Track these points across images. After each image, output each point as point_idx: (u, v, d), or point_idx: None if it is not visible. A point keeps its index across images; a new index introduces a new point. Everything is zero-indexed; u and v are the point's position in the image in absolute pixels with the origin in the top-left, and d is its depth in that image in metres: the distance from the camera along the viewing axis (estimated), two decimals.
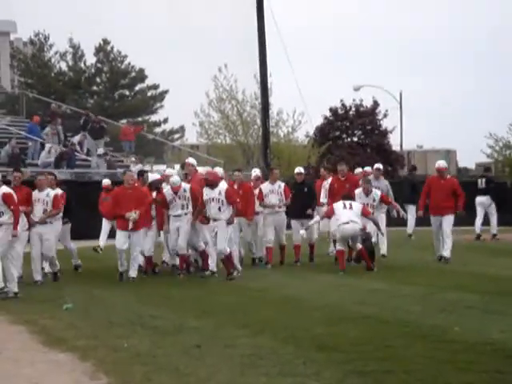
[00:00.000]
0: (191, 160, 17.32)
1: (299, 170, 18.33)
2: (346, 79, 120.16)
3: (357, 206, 15.71)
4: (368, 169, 21.25)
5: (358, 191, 16.64)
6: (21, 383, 7.49)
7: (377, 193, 16.98)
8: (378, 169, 19.37)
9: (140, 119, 59.61)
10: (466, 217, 18.42)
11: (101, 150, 31.63)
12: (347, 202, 15.81)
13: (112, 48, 65.69)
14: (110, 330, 9.96)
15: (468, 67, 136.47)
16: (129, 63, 65.90)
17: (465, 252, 19.41)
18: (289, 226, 17.70)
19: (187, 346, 8.82)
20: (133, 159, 17.98)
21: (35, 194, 14.54)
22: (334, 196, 16.70)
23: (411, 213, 23.36)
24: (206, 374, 7.54)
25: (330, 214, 15.99)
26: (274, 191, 17.17)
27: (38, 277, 14.74)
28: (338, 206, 15.78)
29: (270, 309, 11.49)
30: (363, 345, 8.65)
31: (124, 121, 44.79)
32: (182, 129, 65.30)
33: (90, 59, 65.25)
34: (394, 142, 54.76)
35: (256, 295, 12.93)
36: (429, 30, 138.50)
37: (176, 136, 65.38)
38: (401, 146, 55.98)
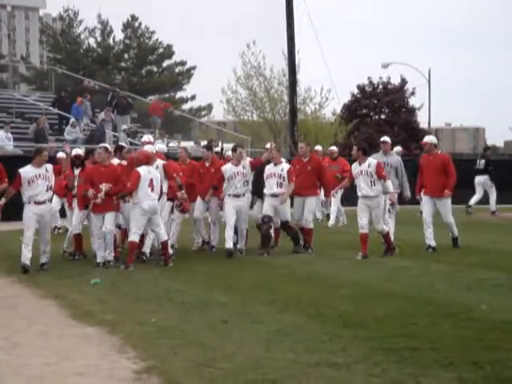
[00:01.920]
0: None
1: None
2: (374, 56, 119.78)
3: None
4: (398, 148, 21.22)
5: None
6: (50, 356, 7.57)
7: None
8: (385, 142, 16.66)
9: (167, 95, 59.77)
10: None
11: (125, 126, 31.69)
12: None
13: (140, 24, 65.87)
14: (138, 305, 10.06)
15: (498, 42, 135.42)
16: (156, 39, 66.07)
17: (491, 230, 19.32)
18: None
19: (214, 321, 8.89)
20: (149, 136, 16.68)
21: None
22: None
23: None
24: (232, 348, 7.60)
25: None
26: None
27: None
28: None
29: (295, 285, 11.52)
30: (389, 322, 8.67)
31: (152, 97, 44.84)
32: (209, 106, 65.40)
33: (119, 35, 65.45)
34: (421, 119, 54.60)
35: (282, 272, 12.95)
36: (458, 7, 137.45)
37: (203, 113, 65.45)
38: (429, 123, 55.72)
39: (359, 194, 14.63)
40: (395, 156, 16.85)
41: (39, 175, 13.14)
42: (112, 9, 74.63)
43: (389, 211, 15.29)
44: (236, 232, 15.26)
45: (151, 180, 13.74)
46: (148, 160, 14.02)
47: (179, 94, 66.38)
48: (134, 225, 13.76)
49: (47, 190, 13.22)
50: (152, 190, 13.73)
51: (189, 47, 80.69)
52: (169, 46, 66.12)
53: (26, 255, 13.08)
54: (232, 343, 7.84)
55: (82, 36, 66.64)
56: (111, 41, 65.97)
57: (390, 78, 53.18)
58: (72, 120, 30.55)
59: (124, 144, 18.10)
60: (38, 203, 13.09)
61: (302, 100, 41.80)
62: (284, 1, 31.71)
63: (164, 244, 14.00)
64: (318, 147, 22.94)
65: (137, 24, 65.88)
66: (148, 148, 14.51)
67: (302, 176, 15.56)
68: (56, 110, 32.83)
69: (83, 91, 34.65)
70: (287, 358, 7.22)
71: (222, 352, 7.48)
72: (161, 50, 66.30)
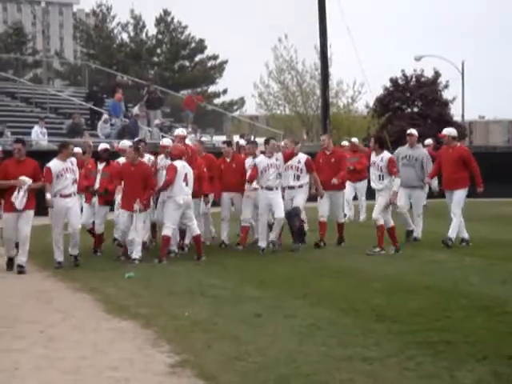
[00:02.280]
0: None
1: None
2: (408, 49, 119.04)
3: None
4: (429, 141, 21.13)
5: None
6: (86, 350, 7.65)
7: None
8: (411, 134, 16.31)
9: (199, 90, 59.83)
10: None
11: (157, 121, 31.78)
12: None
13: (172, 19, 66.01)
14: (171, 299, 10.11)
15: None
16: (189, 34, 66.20)
17: None
18: None
19: (247, 315, 8.92)
20: (182, 130, 15.93)
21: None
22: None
23: None
24: (266, 342, 7.62)
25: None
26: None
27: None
28: None
29: (328, 280, 11.51)
30: (423, 315, 8.64)
31: (184, 91, 44.96)
32: (241, 100, 65.41)
33: (151, 30, 65.64)
34: (455, 112, 54.21)
35: (314, 266, 12.95)
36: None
37: (235, 107, 65.48)
38: (462, 116, 55.34)
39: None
40: (421, 149, 16.63)
41: (66, 169, 13.24)
42: (145, 4, 74.93)
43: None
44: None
45: (185, 174, 13.79)
46: (182, 154, 14.07)
47: (211, 89, 66.51)
48: (167, 219, 13.81)
49: (73, 184, 13.31)
50: (186, 184, 13.78)
51: (221, 41, 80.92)
52: (201, 41, 66.22)
53: (59, 254, 13.29)
54: (265, 337, 7.86)
55: (115, 31, 66.97)
56: (144, 36, 66.20)
57: (423, 70, 52.88)
58: (105, 115, 30.70)
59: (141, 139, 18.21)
60: (65, 196, 13.16)
61: (334, 93, 41.67)
62: None
63: (197, 238, 14.05)
64: (354, 139, 22.86)
65: (169, 19, 66.06)
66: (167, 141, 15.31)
67: (326, 170, 15.39)
68: (89, 105, 32.94)
69: (116, 86, 34.80)
70: (320, 352, 7.23)
71: (256, 346, 7.50)
72: (193, 45, 66.42)
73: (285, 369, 6.69)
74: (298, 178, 14.97)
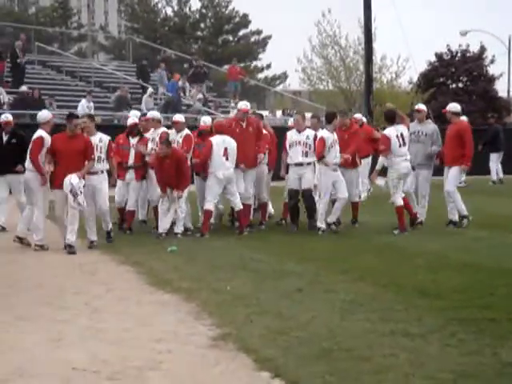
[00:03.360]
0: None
1: None
2: (453, 24, 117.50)
3: None
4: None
5: None
6: (129, 322, 7.73)
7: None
8: (418, 110, 15.50)
9: (243, 65, 59.77)
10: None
11: (200, 95, 31.83)
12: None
13: None
14: (213, 273, 10.17)
15: None
16: (233, 8, 66.12)
17: None
18: None
19: (288, 290, 8.94)
20: (245, 103, 14.75)
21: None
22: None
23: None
24: (307, 317, 7.64)
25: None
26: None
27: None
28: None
29: (370, 255, 11.48)
30: (466, 292, 8.59)
31: (227, 66, 44.92)
32: (284, 75, 65.27)
33: (195, 4, 65.67)
34: (500, 88, 53.50)
35: (356, 242, 12.94)
36: None
37: (278, 82, 65.35)
38: (508, 92, 54.64)
39: None
40: (431, 125, 15.44)
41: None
42: None
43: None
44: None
45: (225, 149, 13.81)
46: (222, 129, 14.08)
47: (255, 64, 66.41)
48: (208, 193, 13.87)
49: (98, 161, 12.77)
50: (227, 159, 13.80)
51: (265, 16, 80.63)
52: (245, 15, 66.08)
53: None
54: (306, 312, 7.87)
55: (159, 5, 67.09)
56: (188, 10, 66.23)
57: (468, 45, 52.19)
58: (150, 89, 30.81)
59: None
60: (90, 173, 12.62)
61: (377, 69, 41.32)
62: None
63: (240, 213, 14.09)
64: (358, 115, 22.78)
65: None
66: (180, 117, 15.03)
67: (340, 147, 14.39)
68: (136, 80, 32.88)
69: (162, 61, 34.94)
70: (362, 328, 7.23)
71: (297, 321, 7.52)
72: (237, 19, 66.31)
73: (326, 343, 6.70)
74: (306, 154, 14.30)
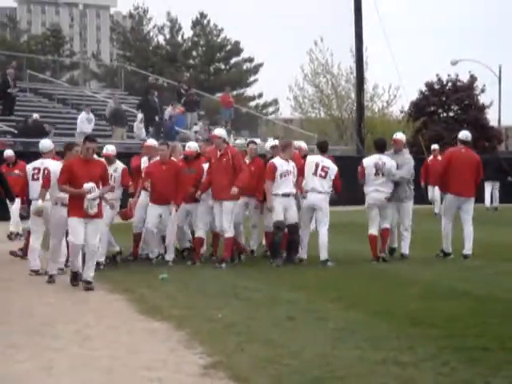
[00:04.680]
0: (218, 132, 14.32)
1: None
2: (443, 52, 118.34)
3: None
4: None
5: None
6: (120, 350, 7.69)
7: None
8: (395, 141, 14.52)
9: (235, 93, 60.03)
10: None
11: (196, 127, 31.89)
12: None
13: (209, 22, 66.40)
14: (205, 301, 10.12)
15: None
16: (225, 36, 66.47)
17: None
18: None
19: (280, 318, 8.90)
20: (219, 130, 14.43)
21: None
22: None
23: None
24: (299, 345, 7.60)
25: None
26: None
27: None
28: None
29: (362, 283, 11.47)
30: (459, 321, 8.56)
31: (219, 94, 45.11)
32: (275, 102, 65.53)
33: (187, 33, 66.02)
34: (491, 117, 53.76)
35: (348, 269, 12.92)
36: None
37: (270, 110, 65.61)
38: (499, 121, 54.89)
39: None
40: (406, 155, 14.50)
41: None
42: (181, 6, 75.24)
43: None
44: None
45: None
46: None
47: (247, 92, 66.69)
48: (200, 221, 13.83)
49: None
50: None
51: (256, 44, 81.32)
52: (236, 43, 66.45)
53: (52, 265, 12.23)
54: (298, 340, 7.84)
55: (151, 33, 67.44)
56: (180, 38, 66.61)
57: (457, 75, 52.46)
58: (140, 115, 30.81)
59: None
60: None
61: (369, 97, 41.56)
62: None
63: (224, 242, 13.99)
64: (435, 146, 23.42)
65: (205, 21, 66.36)
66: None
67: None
68: (139, 113, 32.44)
69: (149, 88, 35.00)
70: (354, 356, 7.19)
71: (289, 349, 7.48)
72: (229, 47, 66.66)
73: (318, 372, 6.67)
74: (294, 184, 13.80)
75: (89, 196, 11.19)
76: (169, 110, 32.34)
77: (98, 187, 11.41)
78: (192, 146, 14.61)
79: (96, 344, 7.96)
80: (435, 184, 14.41)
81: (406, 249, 14.33)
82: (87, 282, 11.32)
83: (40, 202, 12.40)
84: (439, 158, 23.66)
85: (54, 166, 12.42)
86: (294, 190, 13.61)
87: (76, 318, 9.33)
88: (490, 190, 28.19)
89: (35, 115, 27.53)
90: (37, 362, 7.25)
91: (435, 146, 24.71)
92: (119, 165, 13.76)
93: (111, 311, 9.78)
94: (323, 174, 13.72)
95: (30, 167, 13.34)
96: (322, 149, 14.22)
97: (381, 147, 14.28)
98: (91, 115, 29.08)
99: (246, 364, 6.98)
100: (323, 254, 13.56)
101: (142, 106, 32.07)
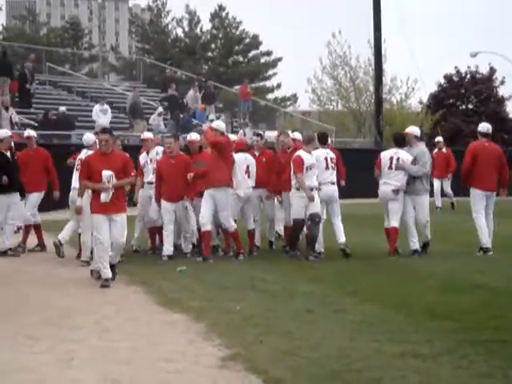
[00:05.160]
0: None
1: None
2: (462, 46, 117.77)
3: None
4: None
5: None
6: (139, 341, 7.73)
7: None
8: (406, 134, 14.36)
9: (253, 85, 59.98)
10: None
11: (212, 116, 31.92)
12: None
13: (227, 14, 66.38)
14: (223, 293, 10.14)
15: None
16: (243, 29, 66.50)
17: None
18: None
19: (298, 310, 8.92)
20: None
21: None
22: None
23: None
24: (317, 338, 7.61)
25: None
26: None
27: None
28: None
29: (380, 276, 11.45)
30: (476, 314, 8.55)
31: (237, 87, 45.09)
32: (294, 95, 65.45)
33: (206, 25, 66.05)
34: (511, 109, 53.40)
35: (364, 263, 12.89)
36: None
37: (288, 102, 65.53)
38: None
39: None
40: (418, 147, 14.12)
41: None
42: None
43: None
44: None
45: (248, 167, 13.92)
46: (244, 147, 14.28)
47: (265, 84, 66.61)
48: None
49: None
50: (248, 176, 13.89)
51: (275, 37, 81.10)
52: (255, 36, 66.41)
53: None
54: (316, 332, 7.86)
55: (170, 26, 67.49)
56: (198, 31, 66.62)
57: (477, 67, 52.16)
58: (159, 109, 30.87)
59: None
60: None
61: (387, 90, 41.50)
62: None
63: (250, 233, 14.05)
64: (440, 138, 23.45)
65: (224, 14, 66.32)
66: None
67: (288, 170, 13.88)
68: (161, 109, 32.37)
69: (166, 81, 35.06)
70: (372, 348, 7.20)
71: (307, 341, 7.50)
72: (247, 40, 66.59)
73: (336, 364, 6.68)
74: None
75: (105, 186, 10.92)
76: (191, 93, 32.42)
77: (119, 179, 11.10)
78: (194, 136, 14.38)
79: (115, 336, 8.01)
80: (464, 181, 14.05)
81: (417, 243, 13.76)
82: (105, 279, 10.97)
83: (79, 200, 12.25)
84: (444, 150, 23.73)
85: None
86: (317, 183, 13.46)
87: (95, 309, 9.39)
88: None
89: (62, 108, 27.67)
90: (56, 353, 7.29)
91: (439, 139, 24.46)
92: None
93: (130, 303, 9.82)
94: (333, 165, 13.83)
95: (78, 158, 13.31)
96: (323, 140, 14.21)
97: (399, 141, 14.19)
98: (106, 106, 29.13)
99: (264, 356, 7.00)
100: (343, 238, 13.63)
101: (167, 101, 32.09)
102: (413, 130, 14.44)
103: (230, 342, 7.51)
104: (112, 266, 11.24)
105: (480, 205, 14.05)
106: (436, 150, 23.75)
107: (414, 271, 11.94)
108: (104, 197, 10.92)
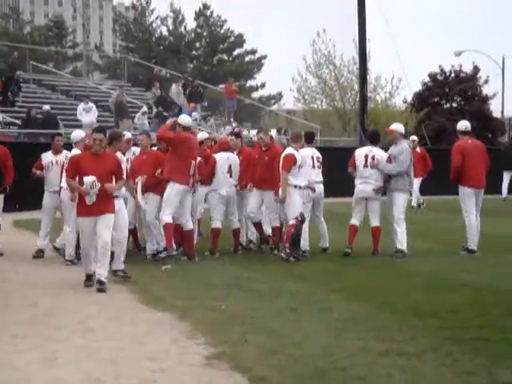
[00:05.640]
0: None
1: None
2: (446, 44, 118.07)
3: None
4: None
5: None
6: (123, 340, 7.69)
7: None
8: (388, 131, 14.24)
9: (237, 84, 59.92)
10: None
11: (195, 115, 31.84)
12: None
13: (212, 13, 66.17)
14: (208, 291, 10.12)
15: None
16: (228, 28, 66.34)
17: None
18: None
19: (283, 309, 8.92)
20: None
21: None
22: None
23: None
24: (302, 336, 7.61)
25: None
26: None
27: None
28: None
29: (365, 274, 11.49)
30: (461, 312, 8.58)
31: (222, 86, 45.09)
32: (279, 94, 65.40)
33: (190, 24, 65.89)
34: (494, 108, 53.66)
35: (350, 261, 12.91)
36: None
37: (273, 101, 65.49)
38: (502, 112, 54.81)
39: None
40: (400, 145, 13.79)
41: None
42: None
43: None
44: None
45: (229, 166, 13.88)
46: (225, 146, 14.20)
47: (249, 83, 66.58)
48: (214, 212, 13.83)
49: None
50: (231, 176, 13.84)
51: (259, 35, 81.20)
52: (240, 35, 66.31)
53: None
54: (301, 331, 7.85)
55: (154, 25, 67.28)
56: (183, 29, 66.45)
57: (461, 66, 52.33)
58: (144, 108, 30.77)
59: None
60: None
61: (372, 88, 41.55)
62: None
63: (235, 232, 14.03)
64: (414, 137, 23.24)
65: (209, 13, 66.19)
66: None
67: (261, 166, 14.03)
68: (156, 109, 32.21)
69: (152, 79, 34.98)
70: (357, 346, 7.20)
71: (292, 339, 7.49)
72: (232, 39, 66.53)
73: (321, 362, 6.68)
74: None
75: (88, 191, 10.43)
76: (174, 88, 32.36)
77: (109, 182, 10.60)
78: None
79: (99, 335, 7.97)
80: (455, 179, 13.93)
81: (400, 243, 13.41)
82: (100, 283, 10.43)
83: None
84: (418, 149, 23.22)
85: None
86: (306, 182, 13.33)
87: (79, 308, 9.34)
88: (509, 179, 27.44)
89: (46, 107, 27.51)
90: (40, 352, 7.24)
91: (414, 137, 23.96)
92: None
93: (114, 302, 9.78)
94: (319, 164, 13.87)
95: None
96: (309, 140, 14.25)
97: (373, 139, 14.13)
98: (90, 104, 29.07)
99: (249, 354, 6.99)
100: (326, 243, 13.96)
101: (159, 103, 31.94)
102: (398, 127, 14.14)
103: (214, 341, 7.49)
104: (116, 271, 11.22)
105: (470, 203, 13.99)
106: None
107: (399, 269, 11.96)
108: (88, 200, 10.51)
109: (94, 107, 29.30)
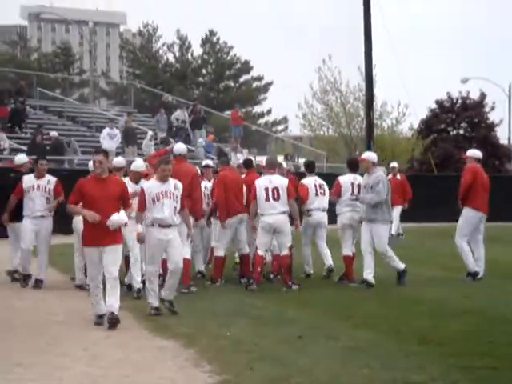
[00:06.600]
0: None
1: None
2: (453, 71, 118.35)
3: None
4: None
5: None
6: (128, 368, 7.67)
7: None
8: (361, 160, 13.86)
9: (244, 110, 60.12)
10: None
11: (201, 141, 31.89)
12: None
13: (218, 39, 66.56)
14: (213, 319, 10.10)
15: None
16: (234, 54, 66.74)
17: None
18: None
19: (288, 336, 8.88)
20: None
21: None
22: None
23: None
24: (308, 364, 7.58)
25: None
26: None
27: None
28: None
29: (371, 302, 11.44)
30: (467, 340, 8.55)
31: (228, 112, 45.20)
32: (285, 120, 65.61)
33: (197, 50, 66.26)
34: (501, 135, 53.69)
35: (353, 288, 12.88)
36: None
37: (279, 127, 65.68)
38: (509, 139, 54.82)
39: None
40: (376, 173, 13.35)
41: (165, 192, 10.81)
42: (191, 24, 75.71)
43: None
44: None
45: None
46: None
47: (256, 109, 66.82)
48: (221, 239, 13.56)
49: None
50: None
51: (266, 62, 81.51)
52: (246, 62, 66.65)
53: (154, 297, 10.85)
54: (307, 358, 7.83)
55: (161, 51, 67.69)
56: (189, 56, 66.84)
57: (468, 92, 52.42)
58: (150, 133, 30.81)
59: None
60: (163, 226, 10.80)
61: (378, 115, 41.59)
62: (362, 16, 31.59)
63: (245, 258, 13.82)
64: (394, 164, 22.89)
65: (215, 39, 66.59)
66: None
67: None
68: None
69: (161, 105, 35.05)
70: (363, 375, 7.17)
71: (298, 367, 7.47)
72: (238, 66, 66.85)
73: None
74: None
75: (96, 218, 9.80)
76: (177, 114, 32.44)
77: (115, 208, 9.95)
78: (139, 164, 12.68)
79: (104, 362, 7.95)
80: (462, 201, 13.94)
81: (369, 274, 13.08)
82: (111, 314, 9.79)
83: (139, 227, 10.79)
84: (398, 176, 22.62)
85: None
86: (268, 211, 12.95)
87: (83, 335, 9.32)
88: None
89: (53, 133, 27.62)
90: (45, 381, 7.23)
91: (394, 164, 23.38)
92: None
93: (119, 329, 9.73)
94: (322, 191, 14.19)
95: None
96: (310, 168, 14.61)
97: (352, 166, 14.01)
98: (115, 131, 28.98)
99: (254, 382, 6.97)
100: (330, 261, 14.02)
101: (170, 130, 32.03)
102: (370, 155, 13.80)
103: (220, 369, 7.47)
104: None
105: (470, 228, 14.01)
106: (390, 176, 21.09)
107: (404, 296, 11.91)
108: (111, 225, 9.84)
109: (119, 134, 29.23)
